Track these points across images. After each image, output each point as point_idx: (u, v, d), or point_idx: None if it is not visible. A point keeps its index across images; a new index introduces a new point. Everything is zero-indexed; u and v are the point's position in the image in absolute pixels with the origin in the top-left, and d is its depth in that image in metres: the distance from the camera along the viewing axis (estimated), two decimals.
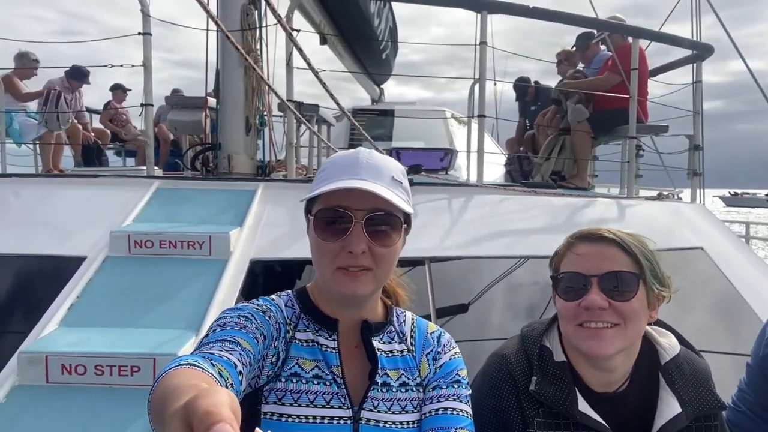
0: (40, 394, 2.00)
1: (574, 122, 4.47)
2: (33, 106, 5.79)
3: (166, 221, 2.86)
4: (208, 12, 2.59)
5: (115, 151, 7.84)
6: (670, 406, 1.18)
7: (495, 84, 7.43)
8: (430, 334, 1.19)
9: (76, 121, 6.04)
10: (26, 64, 5.83)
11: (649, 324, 1.26)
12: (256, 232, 2.84)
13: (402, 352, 1.15)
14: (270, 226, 2.91)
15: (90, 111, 6.98)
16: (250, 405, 1.04)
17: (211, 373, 0.78)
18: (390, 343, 1.15)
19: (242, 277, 2.55)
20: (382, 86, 10.20)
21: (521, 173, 5.81)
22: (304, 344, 1.09)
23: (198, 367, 0.78)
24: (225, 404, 0.53)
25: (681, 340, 1.31)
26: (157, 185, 3.18)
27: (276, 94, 3.23)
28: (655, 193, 4.25)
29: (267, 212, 3.01)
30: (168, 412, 0.59)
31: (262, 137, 3.85)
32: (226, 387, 0.82)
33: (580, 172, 4.53)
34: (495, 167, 6.40)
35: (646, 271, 1.18)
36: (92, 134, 6.54)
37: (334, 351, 1.09)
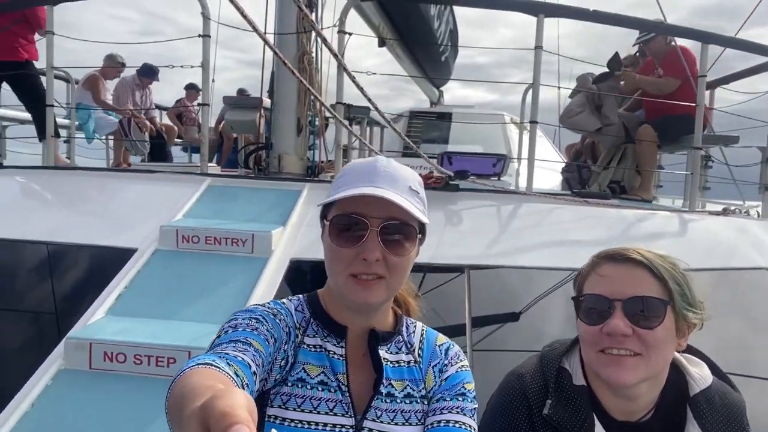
0: (82, 379, 2.10)
1: (629, 130, 4.27)
2: (108, 100, 6.13)
3: (213, 218, 2.95)
4: (257, 31, 2.64)
5: (182, 147, 8.18)
6: None
7: (559, 89, 7.24)
8: (439, 346, 1.17)
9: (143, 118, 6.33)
10: (112, 64, 6.16)
11: (679, 352, 1.18)
12: (298, 232, 2.88)
13: (408, 363, 1.14)
14: (312, 226, 2.94)
15: (159, 108, 7.30)
16: (257, 408, 1.05)
17: (227, 373, 0.79)
18: (397, 353, 1.14)
19: (281, 276, 2.59)
20: (441, 89, 10.17)
21: (579, 181, 5.62)
22: (312, 349, 1.09)
23: (215, 366, 0.79)
24: (242, 406, 0.53)
25: (715, 370, 1.21)
26: (208, 183, 3.28)
27: (317, 97, 3.25)
28: (720, 208, 4.01)
29: (311, 212, 3.04)
30: (185, 413, 0.60)
31: (313, 139, 3.90)
32: (242, 387, 0.82)
33: (645, 183, 4.32)
34: (552, 174, 6.22)
35: (676, 296, 1.10)
36: (161, 128, 6.84)
37: (341, 358, 1.09)
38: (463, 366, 1.16)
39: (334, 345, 1.10)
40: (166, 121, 7.58)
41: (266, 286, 2.51)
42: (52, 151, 3.97)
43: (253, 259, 2.68)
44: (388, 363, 1.12)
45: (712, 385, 1.16)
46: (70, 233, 2.81)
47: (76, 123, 5.71)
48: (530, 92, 3.52)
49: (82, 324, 2.29)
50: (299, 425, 1.03)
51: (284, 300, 1.16)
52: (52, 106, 3.78)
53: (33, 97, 4.56)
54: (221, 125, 7.17)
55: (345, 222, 1.02)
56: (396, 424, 1.08)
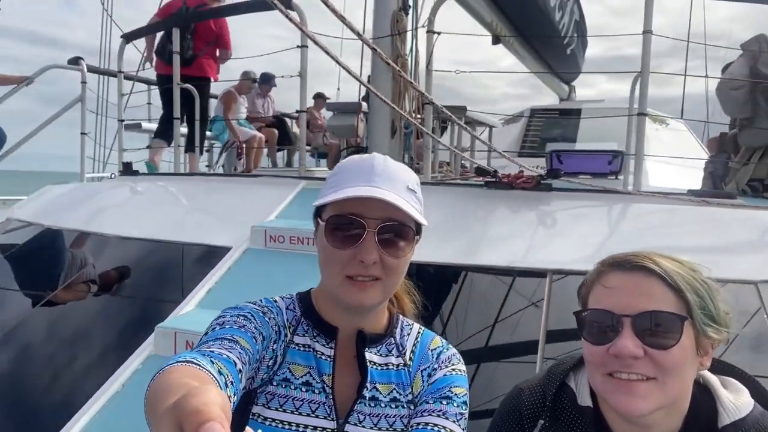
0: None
1: None
2: (242, 113, 6.67)
3: (302, 219, 3.07)
4: (360, 36, 2.70)
5: (310, 153, 8.66)
6: None
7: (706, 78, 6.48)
8: (432, 350, 1.12)
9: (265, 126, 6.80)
10: (246, 79, 6.69)
11: (706, 370, 0.99)
12: None
13: (397, 366, 1.10)
14: None
15: (285, 116, 7.78)
16: (243, 405, 1.06)
17: (208, 371, 0.80)
18: (387, 355, 1.10)
19: None
20: (573, 84, 9.58)
21: (721, 178, 4.98)
22: (300, 349, 1.09)
23: (194, 364, 0.80)
24: (215, 403, 0.54)
25: (761, 398, 1.00)
26: (303, 185, 3.43)
27: (423, 94, 3.22)
28: None
29: None
30: (159, 410, 0.61)
31: (408, 140, 3.91)
32: (226, 385, 0.83)
33: None
34: (694, 172, 5.58)
35: (695, 310, 0.93)
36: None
37: (329, 359, 1.08)
38: (453, 370, 1.10)
39: (323, 345, 1.08)
40: (295, 129, 8.07)
41: None
42: (179, 158, 4.42)
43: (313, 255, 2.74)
44: (375, 366, 1.09)
45: (748, 417, 0.96)
46: (175, 232, 3.11)
47: (214, 133, 6.30)
48: (639, 81, 3.19)
49: (173, 315, 2.51)
50: (279, 425, 1.03)
51: (276, 298, 1.17)
52: (179, 118, 4.20)
53: (200, 112, 5.00)
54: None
55: (341, 222, 1.01)
56: (379, 428, 1.05)
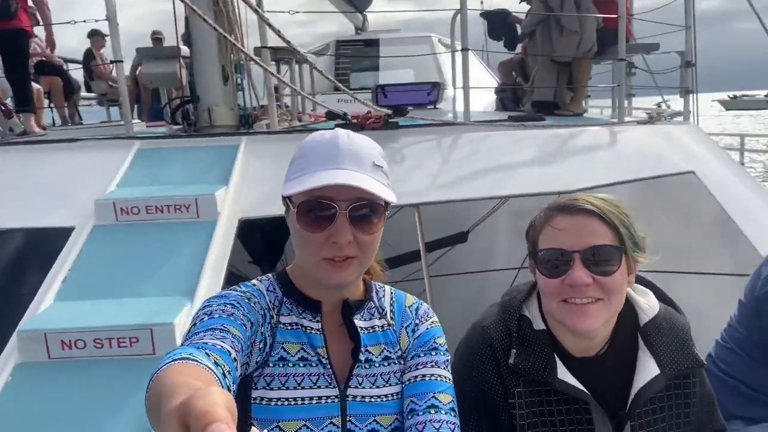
0: (42, 370, 2.05)
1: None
2: None
3: (150, 184, 2.83)
4: None
5: (97, 101, 7.65)
6: (648, 369, 1.20)
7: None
8: (409, 307, 1.22)
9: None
10: None
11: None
12: (242, 190, 2.82)
13: (382, 327, 1.17)
14: (256, 182, 2.88)
15: (67, 60, 6.73)
16: (240, 391, 1.06)
17: (206, 365, 0.79)
18: (370, 319, 1.17)
19: (232, 238, 2.56)
20: (365, 12, 9.79)
21: (513, 99, 5.69)
22: (289, 327, 1.11)
23: (192, 360, 0.79)
24: (221, 404, 0.53)
25: (662, 297, 1.31)
26: (137, 146, 3.12)
27: (237, 46, 3.08)
28: (645, 114, 4.19)
29: (252, 167, 2.97)
30: (164, 411, 0.60)
31: (242, 85, 3.73)
32: (224, 375, 0.83)
33: (578, 97, 4.43)
34: (486, 94, 6.25)
35: (627, 241, 1.16)
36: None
37: (318, 333, 1.11)
38: (433, 322, 1.21)
39: (310, 320, 1.12)
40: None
41: (219, 250, 2.47)
42: None
43: (199, 223, 2.61)
44: (363, 330, 1.15)
45: (659, 313, 1.26)
46: None
47: None
48: (458, 18, 3.46)
49: (31, 313, 2.21)
50: (285, 403, 1.06)
51: (254, 282, 1.15)
52: None
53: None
54: (137, 72, 6.71)
55: (313, 206, 1.01)
56: (377, 386, 1.12)
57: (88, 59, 7.17)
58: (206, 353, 0.85)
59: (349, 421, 1.09)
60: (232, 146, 3.14)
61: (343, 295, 1.14)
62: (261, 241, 2.70)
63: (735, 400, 1.73)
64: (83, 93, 7.40)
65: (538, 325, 1.25)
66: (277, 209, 2.98)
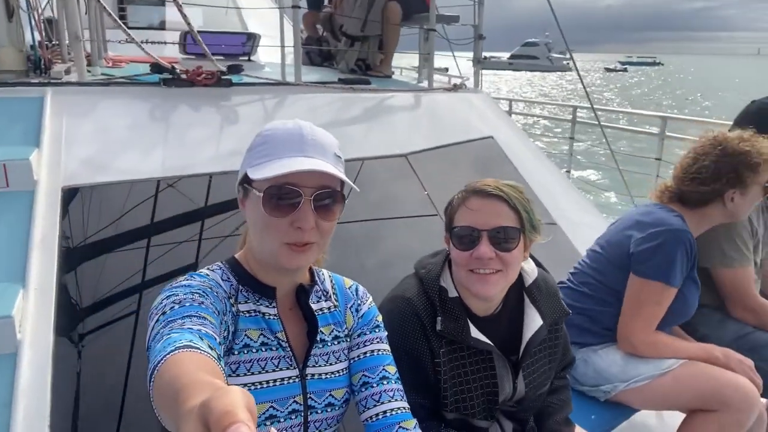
0: None
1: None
2: None
3: None
4: None
5: None
6: (534, 320, 1.48)
7: None
8: (348, 288, 1.32)
9: None
10: None
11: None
12: (59, 153, 2.45)
13: (330, 309, 1.26)
14: (75, 143, 2.52)
15: None
16: None
17: (208, 353, 0.80)
18: (318, 301, 1.26)
19: (58, 210, 2.23)
20: None
21: (319, 54, 5.74)
22: (248, 315, 1.14)
23: (196, 348, 0.80)
24: (241, 404, 0.55)
25: (536, 262, 1.60)
26: None
27: None
28: (447, 80, 4.65)
29: (66, 126, 2.58)
30: (184, 408, 0.61)
31: (29, 22, 3.13)
32: (218, 359, 0.84)
33: (387, 60, 4.67)
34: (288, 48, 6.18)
35: (526, 224, 1.40)
36: None
37: (275, 318, 1.17)
38: (371, 302, 1.33)
39: (267, 306, 1.16)
40: None
41: (45, 225, 2.15)
42: None
43: (12, 194, 2.22)
44: (316, 312, 1.23)
45: (538, 275, 1.54)
46: None
47: None
48: None
49: None
50: (252, 387, 1.11)
51: (206, 272, 1.14)
52: None
53: None
54: None
55: (280, 192, 1.05)
56: (330, 364, 1.22)
57: None
58: (200, 337, 0.87)
59: (310, 398, 1.18)
60: (32, 99, 2.66)
61: (295, 280, 1.21)
62: (96, 214, 2.40)
63: (576, 332, 2.17)
64: None
65: (453, 293, 1.44)
66: (107, 175, 2.70)
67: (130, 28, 6.68)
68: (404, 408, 1.22)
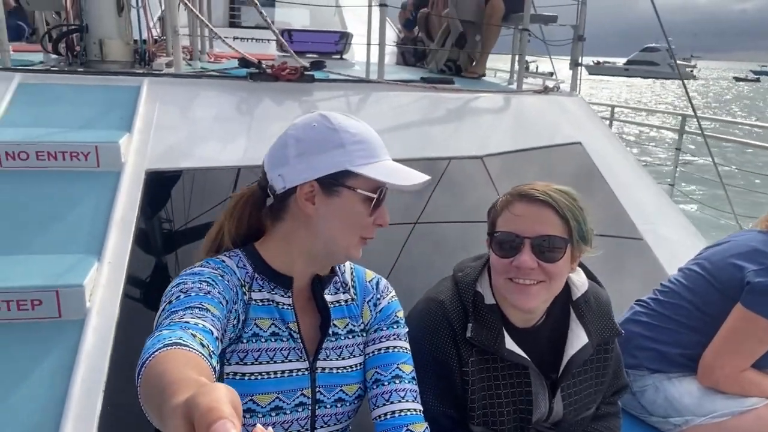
0: None
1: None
2: None
3: (38, 126, 2.53)
4: None
5: None
6: (579, 337, 1.36)
7: None
8: (369, 281, 1.28)
9: None
10: None
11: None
12: (148, 139, 2.62)
13: (346, 301, 1.23)
14: (163, 130, 2.68)
15: None
16: None
17: (197, 350, 0.80)
18: (336, 293, 1.23)
19: (140, 192, 2.39)
20: None
21: (414, 54, 5.74)
22: (260, 303, 1.13)
23: (184, 345, 0.79)
24: (225, 400, 0.55)
25: (589, 274, 1.47)
26: (18, 80, 2.75)
27: None
28: (539, 80, 4.46)
29: (158, 113, 2.75)
30: (168, 405, 0.61)
31: (138, 16, 3.39)
32: (209, 355, 0.84)
33: (482, 59, 4.58)
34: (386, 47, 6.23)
35: (575, 234, 1.29)
36: None
37: (289, 308, 1.15)
38: (392, 297, 1.28)
39: (282, 296, 1.15)
40: None
41: (125, 205, 2.30)
42: None
43: (100, 174, 2.40)
44: (330, 304, 1.20)
45: (588, 289, 1.42)
46: None
47: None
48: None
49: None
50: (259, 377, 1.10)
51: (222, 258, 1.15)
52: None
53: None
54: None
55: (380, 194, 1.14)
56: (343, 358, 1.19)
57: None
58: (192, 334, 0.86)
59: (318, 391, 1.15)
60: (131, 87, 2.87)
61: (313, 270, 1.19)
62: (174, 198, 2.55)
63: (650, 355, 2.00)
64: None
65: (489, 299, 1.36)
66: (189, 161, 2.83)
67: (239, 27, 7.10)
68: (415, 410, 1.17)
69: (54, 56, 3.43)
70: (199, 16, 3.22)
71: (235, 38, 5.59)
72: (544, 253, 1.26)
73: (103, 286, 2.00)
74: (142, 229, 2.31)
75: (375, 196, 1.11)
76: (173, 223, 2.44)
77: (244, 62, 3.16)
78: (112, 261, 2.09)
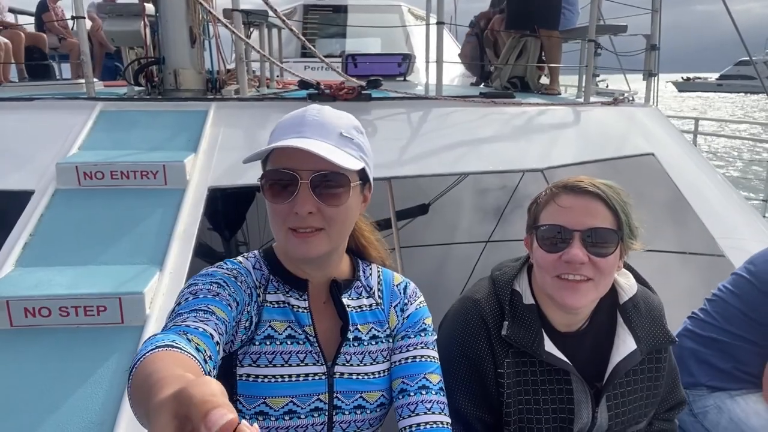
0: (5, 338, 1.98)
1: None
2: None
3: (114, 149, 2.73)
4: None
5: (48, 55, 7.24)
6: (626, 343, 1.26)
7: None
8: (397, 286, 1.22)
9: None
10: None
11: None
12: (212, 158, 2.75)
13: (371, 306, 1.18)
14: (226, 150, 2.81)
15: (15, 12, 6.32)
16: (225, 368, 1.06)
17: (189, 353, 0.78)
18: (358, 298, 1.18)
19: (202, 207, 2.50)
20: None
21: (481, 74, 5.71)
22: (275, 306, 1.10)
23: (176, 348, 0.77)
24: (219, 393, 0.54)
25: (638, 278, 1.37)
26: (100, 108, 2.99)
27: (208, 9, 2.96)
28: (608, 92, 4.29)
29: (222, 135, 2.90)
30: (154, 401, 0.58)
31: (209, 47, 3.61)
32: (205, 361, 0.82)
33: (554, 77, 4.49)
34: (453, 68, 6.24)
35: (624, 227, 1.20)
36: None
37: (305, 311, 1.11)
38: (421, 303, 1.22)
39: (297, 299, 1.11)
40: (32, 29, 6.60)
41: (188, 219, 2.42)
42: None
43: (167, 191, 2.55)
44: (352, 309, 1.15)
45: (637, 292, 1.32)
46: None
47: None
48: None
49: None
50: (272, 380, 1.06)
51: (240, 259, 1.14)
52: None
53: None
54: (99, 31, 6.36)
55: (276, 177, 1.01)
56: (365, 364, 1.14)
57: (42, 11, 6.75)
58: (187, 338, 0.84)
59: (336, 397, 1.10)
60: (200, 112, 3.05)
61: (329, 273, 1.14)
62: (223, 209, 2.67)
63: (707, 371, 1.83)
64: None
65: (528, 299, 1.29)
66: (247, 179, 2.93)
67: (309, 57, 7.27)
68: (442, 422, 1.09)
69: (137, 88, 3.71)
70: (259, 50, 3.37)
71: (306, 67, 5.82)
72: (595, 247, 1.17)
73: (163, 294, 2.09)
74: (203, 242, 2.41)
75: (262, 181, 1.02)
76: (234, 235, 2.53)
77: (303, 84, 3.27)
78: (173, 271, 2.19)
